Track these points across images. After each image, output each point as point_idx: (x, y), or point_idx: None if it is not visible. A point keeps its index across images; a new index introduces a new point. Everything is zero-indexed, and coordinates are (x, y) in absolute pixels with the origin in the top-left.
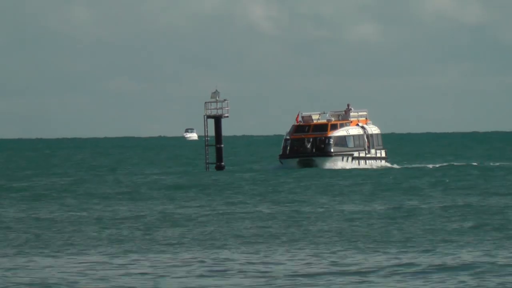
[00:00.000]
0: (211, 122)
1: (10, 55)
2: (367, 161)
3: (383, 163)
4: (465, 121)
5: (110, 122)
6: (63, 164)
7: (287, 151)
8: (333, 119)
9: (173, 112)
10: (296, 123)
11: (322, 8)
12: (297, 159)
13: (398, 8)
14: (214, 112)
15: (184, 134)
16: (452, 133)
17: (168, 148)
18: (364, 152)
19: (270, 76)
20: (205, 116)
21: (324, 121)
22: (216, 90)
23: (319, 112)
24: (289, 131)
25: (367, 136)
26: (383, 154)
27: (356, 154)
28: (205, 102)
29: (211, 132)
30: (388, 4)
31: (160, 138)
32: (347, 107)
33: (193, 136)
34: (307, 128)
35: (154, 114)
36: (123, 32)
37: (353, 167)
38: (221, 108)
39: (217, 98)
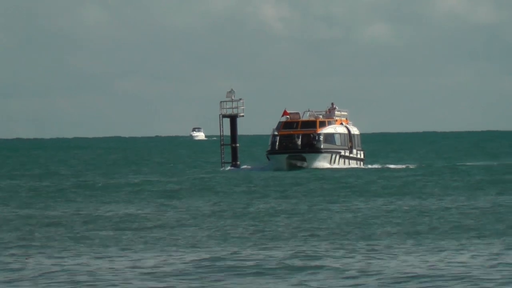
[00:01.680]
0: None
1: (23, 55)
2: (350, 161)
3: (362, 164)
4: (478, 121)
5: (121, 121)
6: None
7: (276, 147)
8: (321, 116)
9: (185, 111)
10: (283, 120)
11: (334, 8)
12: (286, 155)
13: (410, 8)
14: (229, 112)
15: (191, 133)
16: (464, 132)
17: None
18: (348, 151)
19: (282, 76)
20: (221, 116)
21: (312, 118)
22: (232, 89)
23: (299, 111)
24: (277, 127)
25: (350, 136)
26: (362, 156)
27: (342, 152)
28: (221, 102)
29: (226, 131)
30: (400, 4)
31: (163, 138)
32: (331, 105)
33: (200, 135)
34: (295, 124)
35: (165, 113)
36: (135, 32)
37: (341, 166)
38: (237, 107)
39: (233, 98)
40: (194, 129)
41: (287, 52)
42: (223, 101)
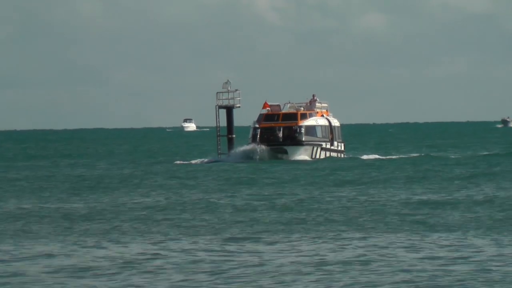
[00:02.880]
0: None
1: (20, 47)
2: (331, 153)
3: (342, 156)
4: (474, 111)
5: (118, 113)
6: None
7: (257, 140)
8: (302, 108)
9: (179, 102)
10: (263, 112)
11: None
12: (268, 148)
13: None
14: (225, 103)
15: (182, 124)
16: (460, 123)
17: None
18: (329, 143)
19: (278, 66)
20: (217, 107)
21: (293, 110)
22: (228, 81)
23: (278, 103)
24: (257, 120)
25: (331, 128)
26: (342, 148)
27: (324, 145)
28: (217, 93)
29: (222, 123)
30: None
31: (154, 129)
32: (312, 97)
33: (191, 126)
34: (276, 117)
35: (159, 104)
36: (130, 23)
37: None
38: (233, 98)
39: (229, 89)
40: (185, 120)
41: (282, 43)
42: (219, 92)
